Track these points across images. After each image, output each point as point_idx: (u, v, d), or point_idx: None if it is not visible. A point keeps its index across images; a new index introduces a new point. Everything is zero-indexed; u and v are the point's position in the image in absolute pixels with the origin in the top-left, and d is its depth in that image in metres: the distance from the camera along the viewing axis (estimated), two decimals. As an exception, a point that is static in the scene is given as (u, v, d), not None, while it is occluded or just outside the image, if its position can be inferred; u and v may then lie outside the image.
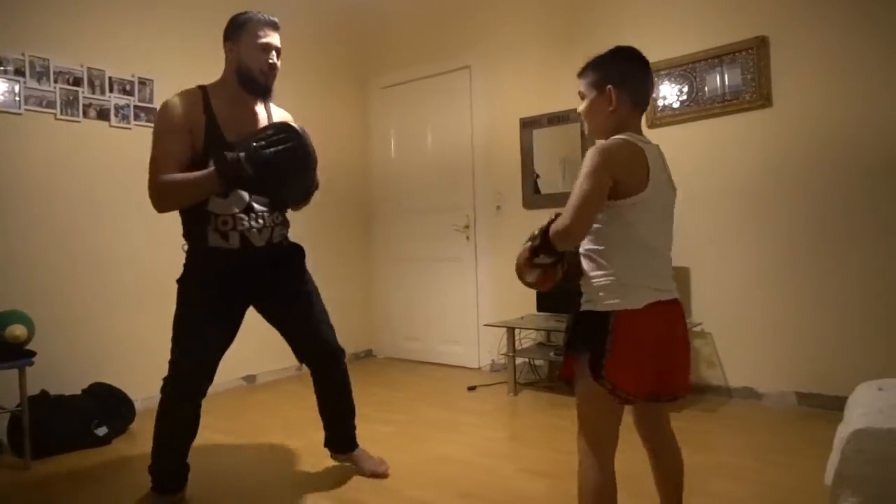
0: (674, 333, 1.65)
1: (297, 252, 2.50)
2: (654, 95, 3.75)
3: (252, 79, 2.22)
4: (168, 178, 2.08)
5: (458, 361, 4.74)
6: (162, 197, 2.10)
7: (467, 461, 2.74)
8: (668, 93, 3.73)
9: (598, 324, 1.57)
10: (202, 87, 2.25)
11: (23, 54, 3.19)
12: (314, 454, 2.84)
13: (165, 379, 2.22)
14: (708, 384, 3.63)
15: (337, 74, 5.07)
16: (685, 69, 3.65)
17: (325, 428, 2.63)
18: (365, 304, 5.25)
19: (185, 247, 2.31)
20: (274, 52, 2.25)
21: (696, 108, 3.63)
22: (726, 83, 3.52)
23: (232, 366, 4.21)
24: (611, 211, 1.58)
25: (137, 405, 3.31)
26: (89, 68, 3.45)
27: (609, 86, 1.63)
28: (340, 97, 5.10)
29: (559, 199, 4.13)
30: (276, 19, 2.27)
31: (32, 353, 2.79)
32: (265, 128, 2.10)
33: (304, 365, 2.58)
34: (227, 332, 2.30)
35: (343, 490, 2.45)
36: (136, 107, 3.65)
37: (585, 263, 1.65)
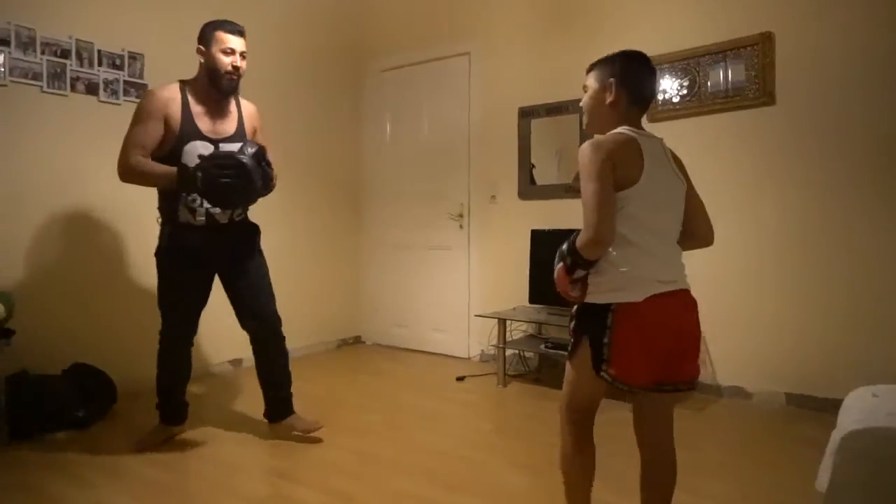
0: (680, 324, 1.64)
1: (254, 230, 2.84)
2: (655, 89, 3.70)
3: (218, 79, 2.56)
4: (138, 163, 2.44)
5: (447, 350, 4.70)
6: (128, 176, 2.47)
7: (454, 453, 2.70)
8: (669, 87, 3.67)
9: (598, 316, 1.59)
10: (182, 82, 2.63)
11: (8, 23, 3.08)
12: (299, 443, 2.80)
13: (160, 333, 2.72)
14: (697, 382, 3.61)
15: (333, 56, 4.97)
16: (687, 63, 3.60)
17: (264, 396, 2.90)
18: (354, 290, 5.19)
19: (159, 220, 2.65)
20: (238, 56, 2.58)
21: (697, 103, 3.57)
22: (729, 79, 3.47)
23: (219, 349, 4.18)
24: None
25: (120, 387, 3.24)
26: (78, 40, 3.35)
27: (611, 79, 1.68)
28: (336, 79, 5.00)
29: (554, 191, 4.11)
30: (241, 27, 2.61)
31: (11, 332, 2.72)
32: (226, 155, 2.45)
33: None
34: (201, 296, 2.74)
35: (327, 480, 2.41)
36: (125, 82, 3.54)
37: None
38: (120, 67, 3.52)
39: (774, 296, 3.38)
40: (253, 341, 2.84)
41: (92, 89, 3.41)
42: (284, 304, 4.51)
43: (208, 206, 2.57)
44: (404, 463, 2.59)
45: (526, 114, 4.25)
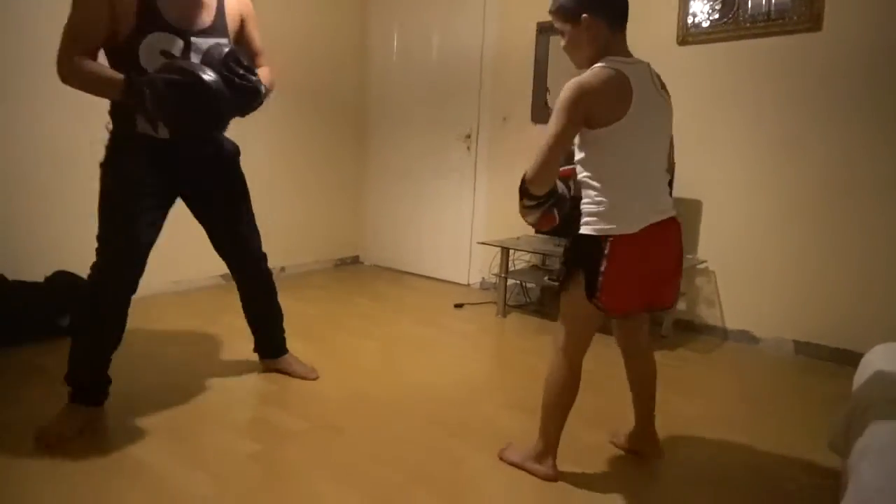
0: (667, 251, 1.75)
1: (234, 150, 2.31)
2: (685, 10, 3.38)
3: None
4: (80, 66, 1.84)
5: (446, 276, 4.57)
6: (68, 78, 1.86)
7: (449, 388, 2.60)
8: (700, 9, 3.34)
9: (593, 247, 1.64)
10: None
11: None
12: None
13: (94, 267, 2.02)
14: (705, 323, 3.49)
15: (340, -47, 4.57)
16: (728, -20, 3.25)
17: (254, 333, 2.60)
18: (355, 210, 5.01)
19: (109, 125, 2.05)
20: None
21: (734, 26, 3.26)
22: (772, 0, 3.14)
23: (210, 262, 4.04)
24: (596, 139, 1.63)
25: (106, 297, 3.12)
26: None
27: (583, 14, 1.63)
28: (342, -19, 4.63)
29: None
30: None
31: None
32: (181, 70, 1.82)
33: (247, 272, 2.49)
34: (155, 229, 2.10)
35: (315, 410, 2.32)
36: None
37: (582, 189, 1.72)
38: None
39: (792, 240, 3.19)
40: (236, 279, 2.49)
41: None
42: (280, 220, 4.41)
43: None
44: (397, 397, 2.49)
45: (545, 29, 3.92)
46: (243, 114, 2.04)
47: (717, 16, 3.30)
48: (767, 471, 2.00)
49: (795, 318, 3.22)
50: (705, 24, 3.34)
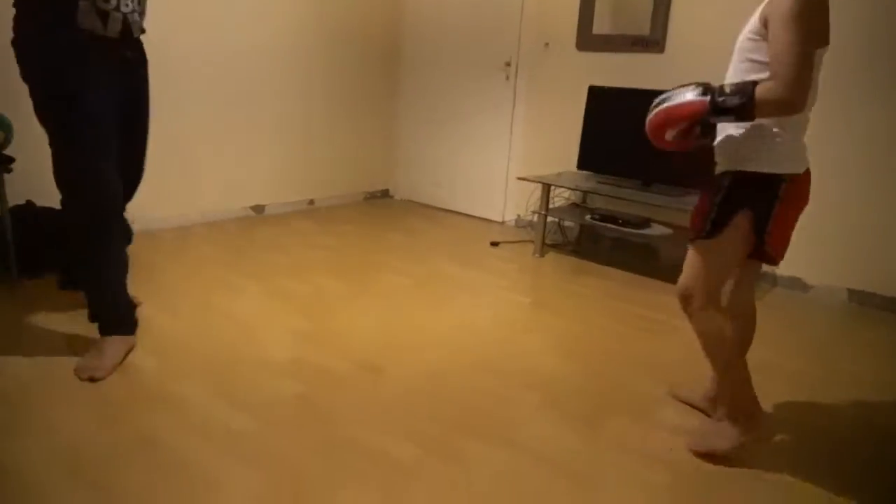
0: (808, 197, 1.61)
1: (144, 53, 2.00)
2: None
3: None
4: None
5: (480, 213, 4.43)
6: None
7: (488, 328, 2.51)
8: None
9: (766, 186, 1.49)
10: None
11: None
12: (327, 307, 2.62)
13: (80, 211, 1.86)
14: (752, 269, 3.34)
15: None
16: None
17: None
18: (386, 142, 4.82)
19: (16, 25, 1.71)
20: None
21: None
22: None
23: (240, 193, 3.94)
24: None
25: (134, 226, 3.03)
26: None
27: None
28: None
29: (619, 43, 3.57)
30: None
31: (11, 160, 2.46)
32: None
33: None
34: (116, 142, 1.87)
35: (353, 348, 2.24)
36: None
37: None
38: None
39: (851, 184, 2.98)
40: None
41: None
42: (310, 153, 4.26)
43: (128, 9, 1.80)
44: (436, 336, 2.40)
45: (596, -54, 3.61)
46: None
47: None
48: (845, 432, 1.90)
49: (849, 265, 3.06)
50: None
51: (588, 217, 3.46)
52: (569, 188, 3.60)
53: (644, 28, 3.45)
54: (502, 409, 1.88)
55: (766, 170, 1.48)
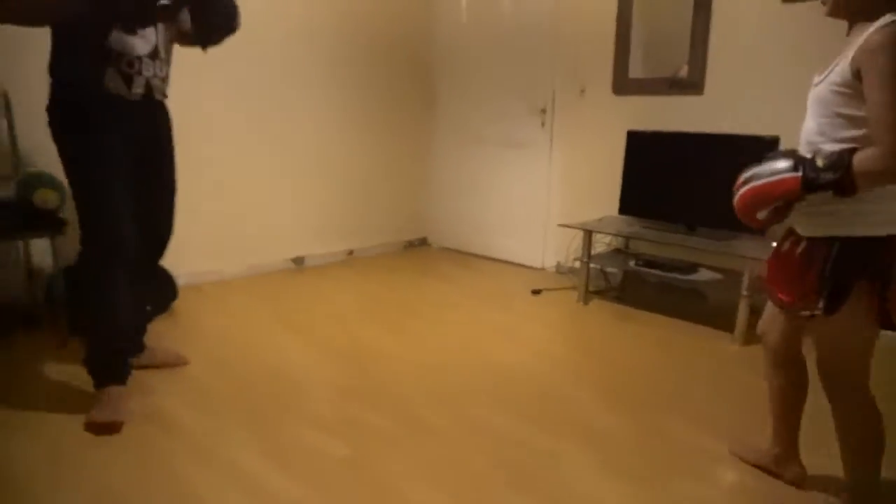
0: None
1: (168, 113, 2.18)
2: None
3: None
4: None
5: (519, 259, 4.38)
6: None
7: (536, 379, 2.44)
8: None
9: (876, 251, 1.37)
10: None
11: None
12: (371, 360, 2.59)
13: (86, 255, 1.98)
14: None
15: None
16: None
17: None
18: (422, 189, 4.85)
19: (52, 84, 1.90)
20: None
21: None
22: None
23: (281, 246, 3.99)
24: None
25: (180, 282, 3.08)
26: None
27: None
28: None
29: (656, 86, 3.54)
30: None
31: (63, 222, 2.53)
32: None
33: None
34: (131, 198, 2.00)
35: (399, 404, 2.20)
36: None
37: None
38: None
39: None
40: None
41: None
42: (347, 201, 4.31)
43: (150, 73, 1.97)
44: (483, 388, 2.34)
45: (629, -9, 3.63)
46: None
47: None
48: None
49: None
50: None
51: (632, 263, 3.39)
52: (612, 234, 3.54)
53: (681, 70, 3.43)
54: (554, 467, 1.81)
55: (869, 233, 1.37)
